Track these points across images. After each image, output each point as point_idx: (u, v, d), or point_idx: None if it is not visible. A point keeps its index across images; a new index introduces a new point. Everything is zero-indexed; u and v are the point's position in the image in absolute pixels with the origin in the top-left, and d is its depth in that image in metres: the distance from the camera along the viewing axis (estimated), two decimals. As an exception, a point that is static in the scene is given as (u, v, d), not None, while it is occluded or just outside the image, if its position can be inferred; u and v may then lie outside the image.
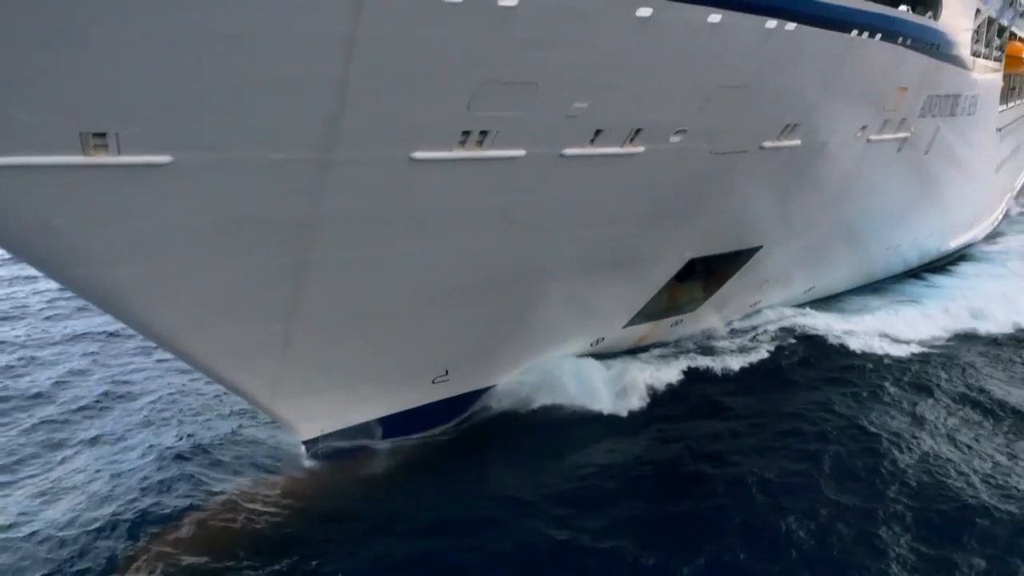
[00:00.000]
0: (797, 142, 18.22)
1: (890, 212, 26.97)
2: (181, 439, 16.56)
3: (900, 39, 19.13)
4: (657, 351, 21.47)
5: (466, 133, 11.99)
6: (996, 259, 37.57)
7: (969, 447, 17.22)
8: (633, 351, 21.11)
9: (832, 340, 23.28)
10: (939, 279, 32.23)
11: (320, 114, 10.70)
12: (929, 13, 21.24)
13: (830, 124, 19.15)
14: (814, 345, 22.94)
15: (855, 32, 16.88)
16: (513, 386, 17.94)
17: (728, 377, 20.32)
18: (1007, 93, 45.22)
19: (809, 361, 21.91)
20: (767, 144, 17.37)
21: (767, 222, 20.91)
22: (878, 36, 17.93)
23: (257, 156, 10.80)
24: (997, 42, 34.47)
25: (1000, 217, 46.69)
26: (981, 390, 20.50)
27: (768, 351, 22.03)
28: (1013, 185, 53.54)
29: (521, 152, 12.86)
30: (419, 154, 11.89)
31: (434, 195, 12.70)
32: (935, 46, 21.80)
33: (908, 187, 26.67)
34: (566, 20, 11.59)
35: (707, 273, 21.38)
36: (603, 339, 19.85)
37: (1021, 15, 34.11)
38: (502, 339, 17.02)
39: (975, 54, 28.85)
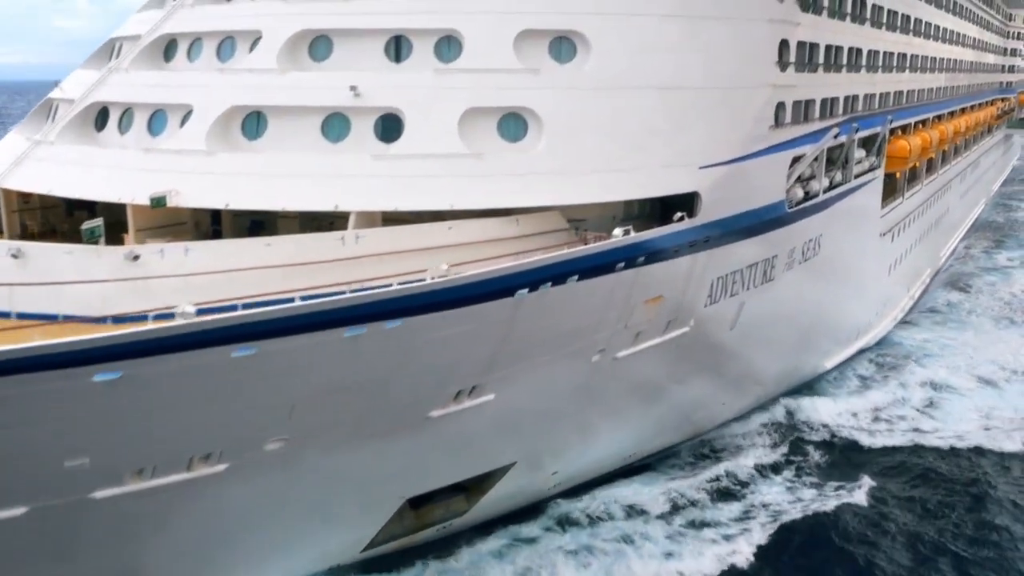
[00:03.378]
0: (489, 396, 20.55)
1: (693, 396, 29.16)
2: None
3: (619, 266, 20.70)
4: None
5: None
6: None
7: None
8: None
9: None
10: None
11: None
12: (681, 214, 22.77)
13: (531, 372, 21.02)
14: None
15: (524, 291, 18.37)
16: None
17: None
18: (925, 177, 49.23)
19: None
20: (436, 413, 19.64)
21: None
22: (586, 278, 19.65)
23: None
24: (860, 156, 37.19)
25: (910, 304, 50.88)
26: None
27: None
28: (925, 270, 57.90)
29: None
30: None
31: None
32: (698, 242, 23.62)
33: (715, 365, 28.86)
34: None
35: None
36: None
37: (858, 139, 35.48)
38: None
39: (806, 197, 30.54)
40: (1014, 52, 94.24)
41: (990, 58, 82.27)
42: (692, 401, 29.92)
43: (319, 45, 23.38)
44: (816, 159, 31.95)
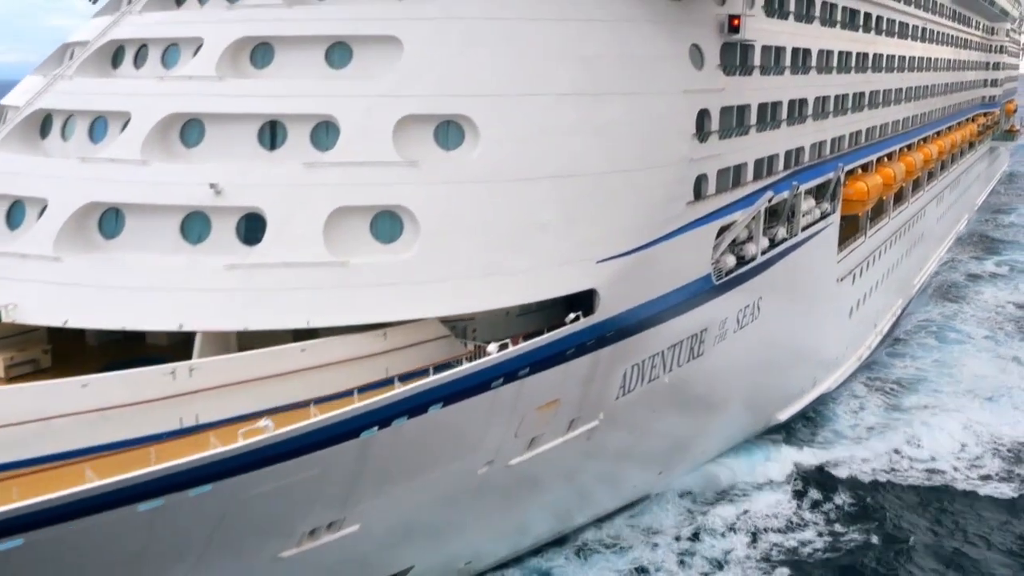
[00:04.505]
0: (354, 527, 18.99)
1: (617, 475, 27.86)
2: None
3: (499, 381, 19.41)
4: None
5: None
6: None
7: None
8: None
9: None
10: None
11: None
12: (576, 314, 21.23)
13: (404, 496, 19.47)
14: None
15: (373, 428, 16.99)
16: None
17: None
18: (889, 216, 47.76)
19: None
20: (288, 553, 18.08)
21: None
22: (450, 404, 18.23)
23: None
24: (809, 207, 35.68)
25: (874, 345, 49.25)
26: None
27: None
28: (896, 302, 56.28)
29: None
30: None
31: None
32: (600, 339, 22.27)
33: (637, 445, 27.34)
34: None
35: None
36: None
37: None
38: None
39: (741, 262, 29.30)
40: (996, 66, 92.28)
41: (969, 75, 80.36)
42: (617, 478, 28.32)
43: (260, 53, 22.42)
44: (754, 219, 30.36)
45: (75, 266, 19.75)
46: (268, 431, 15.00)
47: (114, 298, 19.02)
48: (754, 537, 29.50)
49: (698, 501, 31.31)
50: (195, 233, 20.17)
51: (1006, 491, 34.03)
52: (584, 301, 21.78)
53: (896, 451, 36.83)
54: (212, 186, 19.95)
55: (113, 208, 20.64)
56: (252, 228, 20.04)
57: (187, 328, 18.39)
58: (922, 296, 62.81)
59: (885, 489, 33.95)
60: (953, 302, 62.39)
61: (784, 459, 34.90)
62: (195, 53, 22.57)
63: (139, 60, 24.09)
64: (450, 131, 21.46)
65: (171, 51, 23.48)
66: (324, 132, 21.18)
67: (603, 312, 21.91)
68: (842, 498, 32.52)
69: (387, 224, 20.22)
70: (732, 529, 29.79)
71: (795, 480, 33.47)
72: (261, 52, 22.60)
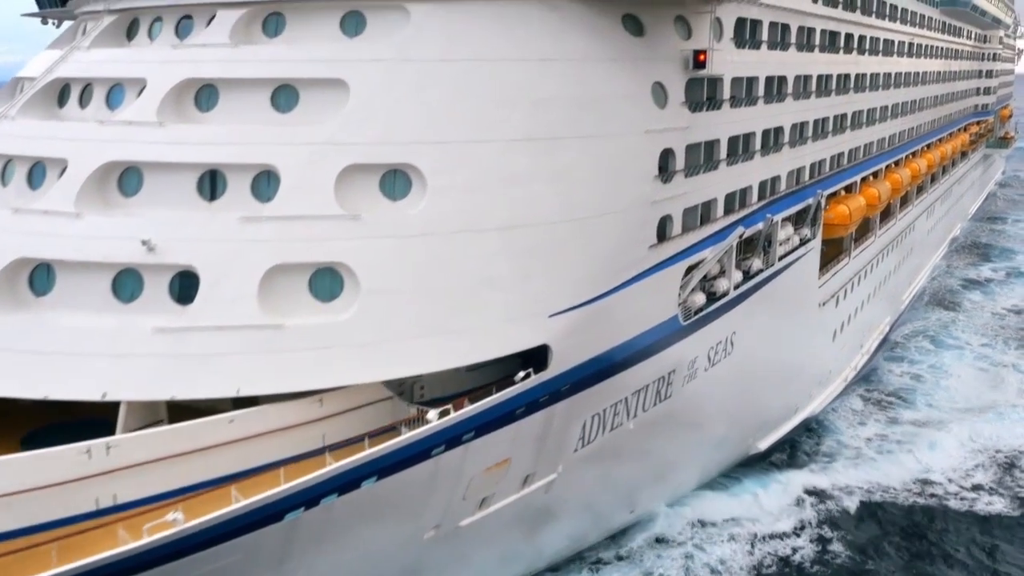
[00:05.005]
0: None
1: (584, 517, 27.18)
2: None
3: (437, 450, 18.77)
4: None
5: None
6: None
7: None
8: None
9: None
10: None
11: None
12: (526, 372, 20.47)
13: (341, 565, 18.72)
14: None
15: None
16: None
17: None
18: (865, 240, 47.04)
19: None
20: None
21: None
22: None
23: None
24: (787, 236, 35.07)
25: (859, 366, 48.45)
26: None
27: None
28: (884, 319, 55.50)
29: None
30: None
31: None
32: (554, 394, 21.54)
33: (601, 492, 26.71)
34: None
35: None
36: None
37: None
38: None
39: (712, 298, 28.65)
40: (990, 73, 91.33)
41: (960, 85, 79.43)
42: (581, 524, 27.52)
43: (205, 95, 21.66)
44: (725, 254, 29.52)
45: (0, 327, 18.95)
46: (177, 525, 14.18)
47: (37, 363, 18.19)
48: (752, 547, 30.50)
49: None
50: (127, 291, 19.34)
51: (1002, 509, 34.62)
52: (538, 354, 20.97)
53: (896, 469, 37.41)
54: (144, 243, 19.13)
55: (44, 264, 19.83)
56: (186, 286, 19.20)
57: (111, 397, 17.56)
58: (917, 304, 63.63)
59: (884, 508, 34.51)
60: (949, 309, 63.72)
61: (786, 481, 35.43)
62: (139, 94, 21.78)
63: (84, 100, 23.36)
64: (396, 180, 20.63)
65: (115, 92, 22.70)
66: (266, 181, 20.35)
67: (557, 367, 21.08)
68: (841, 517, 33.29)
69: (326, 282, 19.38)
70: (732, 538, 30.75)
71: (798, 502, 34.17)
72: (206, 94, 21.81)
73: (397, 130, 20.73)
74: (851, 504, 34.32)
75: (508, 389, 19.83)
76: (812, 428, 41.38)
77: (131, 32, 24.73)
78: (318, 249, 19.29)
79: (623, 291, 23.21)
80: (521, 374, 20.16)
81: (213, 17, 22.49)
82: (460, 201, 20.44)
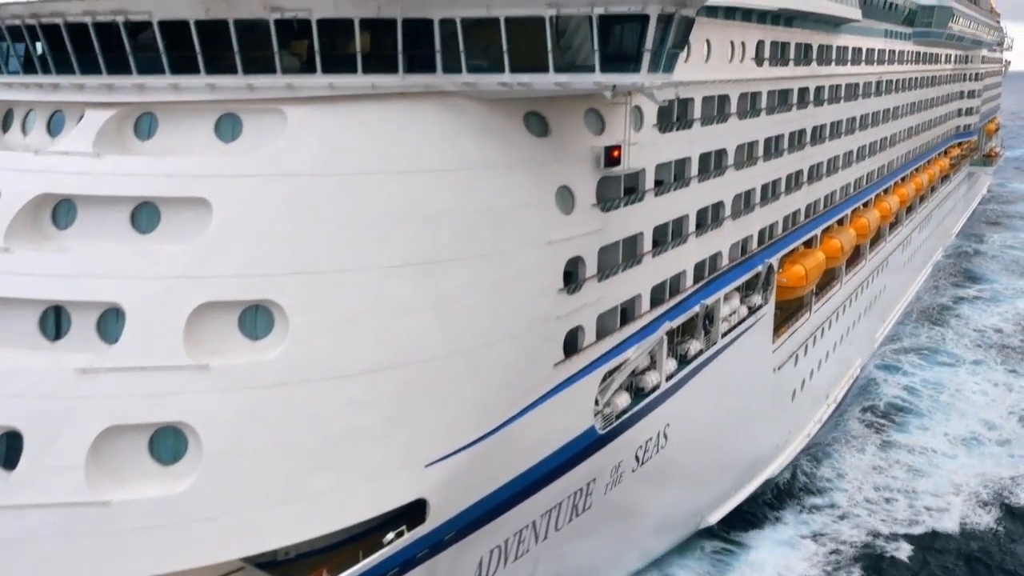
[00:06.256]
0: None
1: None
2: None
3: None
4: None
5: None
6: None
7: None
8: None
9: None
10: None
11: None
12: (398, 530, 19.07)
13: None
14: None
15: None
16: None
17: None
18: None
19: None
20: None
21: None
22: None
23: None
24: (732, 309, 33.46)
25: (823, 420, 46.72)
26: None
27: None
28: (855, 362, 53.78)
29: None
30: None
31: None
32: (436, 546, 20.18)
33: None
34: None
35: None
36: None
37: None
38: None
39: (640, 394, 27.28)
40: (972, 94, 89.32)
41: (940, 111, 77.46)
42: None
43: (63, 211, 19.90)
44: (656, 346, 27.66)
45: None
46: None
47: None
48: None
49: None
50: None
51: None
52: (416, 505, 19.12)
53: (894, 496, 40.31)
54: None
55: None
56: (13, 448, 17.31)
57: None
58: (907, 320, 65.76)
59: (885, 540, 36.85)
60: (938, 325, 66.76)
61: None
62: None
63: None
64: (258, 317, 18.74)
65: None
66: (114, 320, 18.46)
67: (437, 519, 19.22)
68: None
69: (168, 442, 17.48)
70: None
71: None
72: (64, 210, 19.93)
73: (260, 260, 18.81)
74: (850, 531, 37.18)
75: (376, 555, 17.96)
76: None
77: (6, 123, 22.97)
78: (159, 407, 17.37)
79: (521, 420, 21.33)
80: (391, 535, 18.30)
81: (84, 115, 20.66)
82: (326, 341, 18.53)
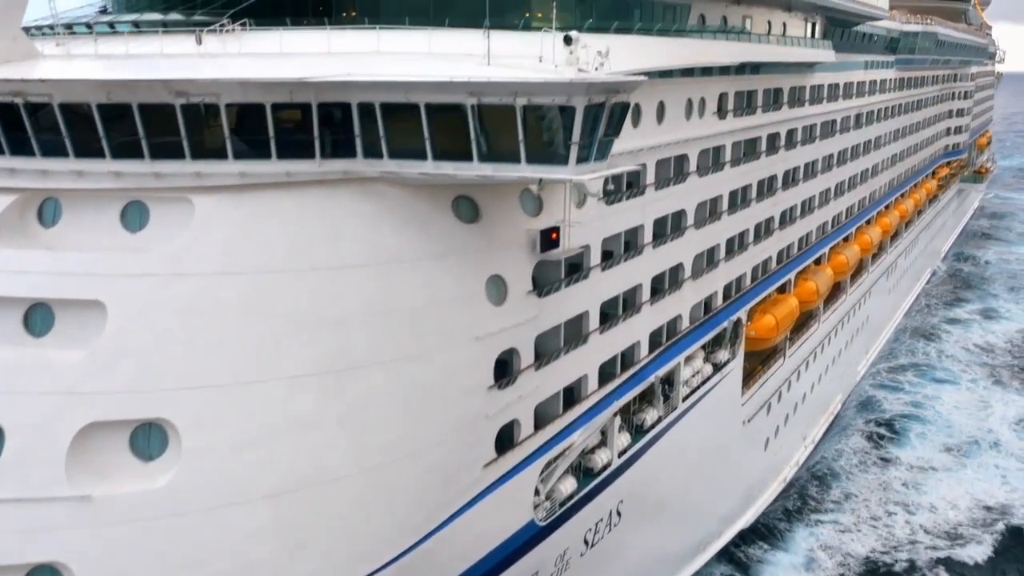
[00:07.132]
0: None
1: None
2: None
3: None
4: None
5: None
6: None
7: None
8: None
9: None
10: None
11: None
12: None
13: None
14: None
15: None
16: None
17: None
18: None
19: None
20: None
21: None
22: None
23: None
24: (695, 370, 31.99)
25: (802, 460, 45.32)
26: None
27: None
28: (834, 398, 52.49)
29: None
30: None
31: None
32: None
33: None
34: None
35: None
36: None
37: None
38: None
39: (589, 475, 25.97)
40: (961, 112, 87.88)
41: (926, 133, 76.01)
42: None
43: None
44: (608, 422, 26.29)
45: None
46: None
47: None
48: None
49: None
50: None
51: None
52: None
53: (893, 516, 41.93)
54: None
55: None
56: None
57: None
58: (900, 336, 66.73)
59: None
60: (931, 340, 67.86)
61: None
62: None
63: None
64: (151, 436, 17.36)
65: None
66: None
67: None
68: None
69: None
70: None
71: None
72: None
73: (154, 372, 17.42)
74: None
75: None
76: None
77: None
78: (30, 545, 15.98)
79: (447, 528, 19.97)
80: None
81: None
82: (221, 464, 17.15)
